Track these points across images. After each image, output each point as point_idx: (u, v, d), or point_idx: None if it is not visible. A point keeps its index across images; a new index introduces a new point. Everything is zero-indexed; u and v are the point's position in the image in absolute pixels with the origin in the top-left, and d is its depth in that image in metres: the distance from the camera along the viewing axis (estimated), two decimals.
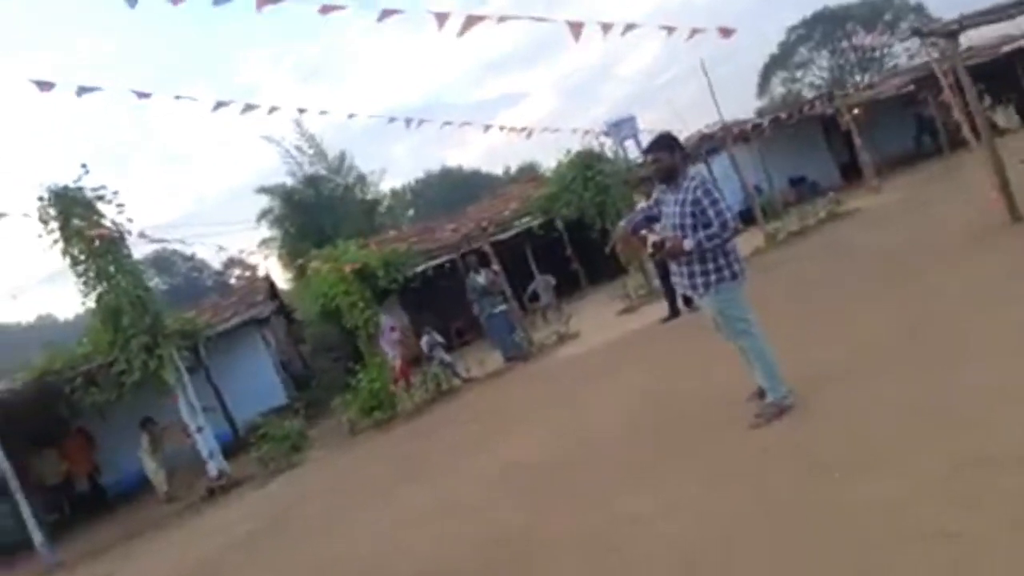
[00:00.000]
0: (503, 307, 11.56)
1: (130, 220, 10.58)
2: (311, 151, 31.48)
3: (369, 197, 33.58)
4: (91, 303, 10.59)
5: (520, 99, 75.08)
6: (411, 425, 9.74)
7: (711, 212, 4.59)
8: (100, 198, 10.46)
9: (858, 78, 44.58)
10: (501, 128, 8.73)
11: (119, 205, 10.49)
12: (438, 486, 6.24)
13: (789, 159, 17.68)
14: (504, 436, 7.02)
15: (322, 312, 13.46)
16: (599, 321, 11.69)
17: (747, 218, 15.27)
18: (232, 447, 12.76)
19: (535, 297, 14.79)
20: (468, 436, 7.66)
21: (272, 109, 7.12)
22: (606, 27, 5.52)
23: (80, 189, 10.34)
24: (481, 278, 11.59)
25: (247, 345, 15.38)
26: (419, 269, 13.15)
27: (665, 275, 9.78)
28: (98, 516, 12.39)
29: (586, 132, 10.70)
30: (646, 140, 12.96)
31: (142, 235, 10.87)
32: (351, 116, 7.50)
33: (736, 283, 4.73)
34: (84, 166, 10.37)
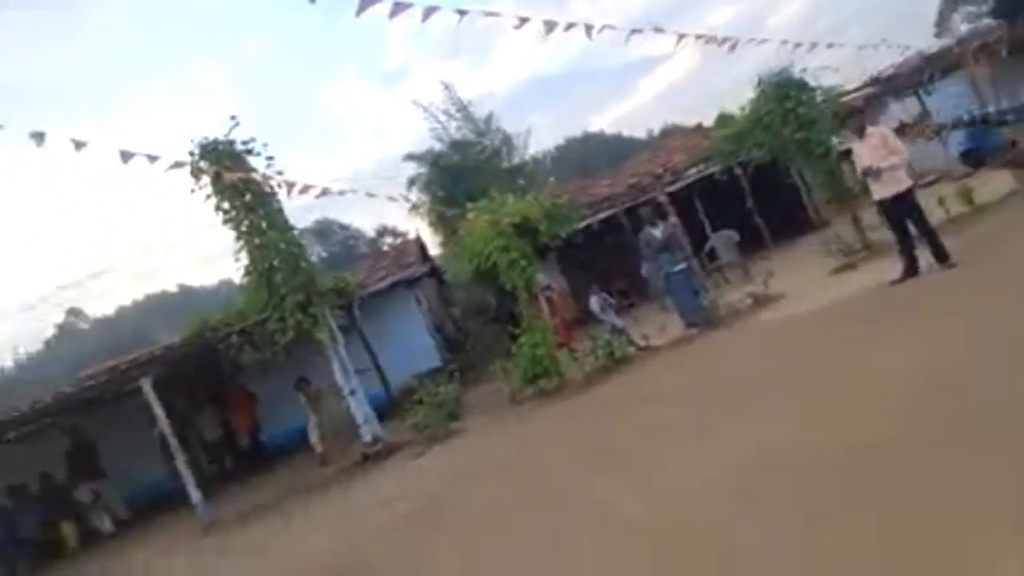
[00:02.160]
0: (684, 265, 9.90)
1: (280, 173, 9.96)
2: (459, 115, 31.12)
3: (516, 161, 32.75)
4: (244, 260, 10.18)
5: (659, 62, 70.97)
6: (583, 398, 8.42)
7: None
8: (249, 151, 9.94)
9: None
10: (698, 37, 7.02)
11: (269, 158, 9.91)
12: (644, 486, 4.82)
13: (1018, 88, 14.24)
14: (716, 423, 5.46)
15: (476, 273, 12.39)
16: (804, 282, 9.69)
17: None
18: (386, 409, 12.19)
19: (713, 255, 12.94)
20: (664, 420, 6.16)
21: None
22: None
23: (230, 142, 9.86)
24: (658, 232, 10.00)
25: (400, 306, 14.81)
26: (583, 224, 11.72)
27: (901, 227, 7.71)
28: (257, 473, 12.32)
29: (796, 45, 8.49)
30: None
31: (304, 189, 10.08)
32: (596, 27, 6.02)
33: None
34: (234, 118, 9.84)
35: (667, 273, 9.86)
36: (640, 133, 47.58)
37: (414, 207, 30.17)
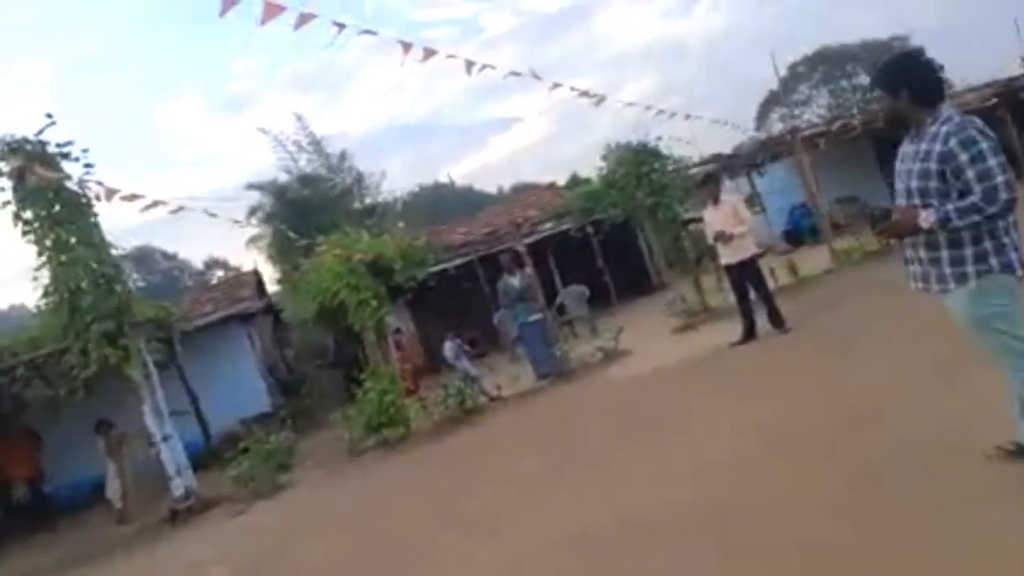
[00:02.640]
0: (539, 315, 9.84)
1: (99, 183, 8.68)
2: (310, 147, 30.06)
3: (368, 202, 32.02)
4: (44, 279, 8.71)
5: (512, 123, 74.04)
6: (432, 449, 7.93)
7: (970, 173, 2.94)
8: (65, 155, 8.61)
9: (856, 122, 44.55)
10: (572, 89, 7.10)
11: (87, 165, 8.61)
12: (497, 542, 4.48)
13: (836, 177, 16.16)
14: (573, 479, 5.26)
15: (319, 311, 11.62)
16: (649, 340, 9.97)
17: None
18: (203, 459, 10.88)
19: (562, 310, 13.08)
20: (519, 474, 5.87)
21: None
22: None
23: (42, 143, 8.50)
24: (516, 281, 9.91)
25: (230, 343, 13.51)
26: (438, 268, 11.41)
27: (742, 292, 8.17)
28: (36, 532, 10.39)
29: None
30: None
31: (129, 198, 8.63)
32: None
33: (1009, 279, 3.06)
34: (50, 115, 8.50)
35: (522, 323, 9.75)
36: (491, 188, 48.47)
37: (252, 240, 28.56)
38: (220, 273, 43.92)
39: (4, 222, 8.49)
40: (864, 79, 47.65)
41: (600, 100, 7.37)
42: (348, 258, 9.76)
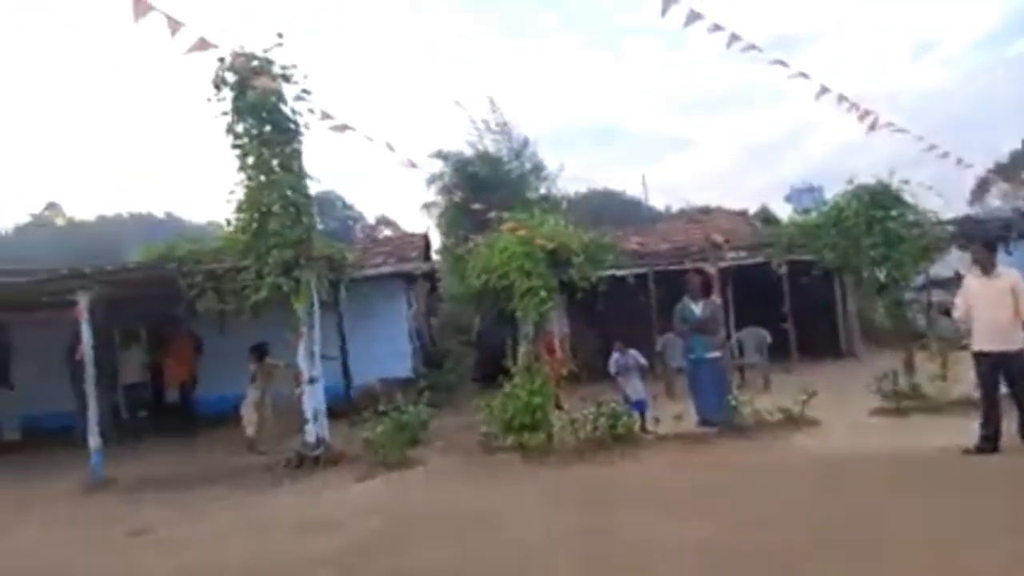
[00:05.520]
0: (718, 353, 8.68)
1: (311, 111, 8.66)
2: (497, 129, 30.19)
3: (542, 192, 31.81)
4: (240, 195, 8.84)
5: (689, 145, 70.30)
6: (577, 472, 7.09)
7: None
8: (287, 78, 8.63)
9: None
10: (842, 99, 5.90)
11: (305, 91, 8.62)
12: None
13: None
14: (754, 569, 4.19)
15: (481, 288, 11.09)
16: (842, 413, 8.47)
17: None
18: (340, 408, 10.78)
19: (737, 352, 11.70)
20: (692, 542, 4.86)
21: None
22: None
23: (269, 61, 8.56)
24: (698, 308, 8.78)
25: (389, 301, 13.40)
26: (619, 273, 10.50)
27: (993, 387, 6.54)
28: (178, 436, 10.86)
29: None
30: None
31: (340, 128, 8.32)
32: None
33: None
34: (280, 35, 8.54)
35: (696, 357, 8.62)
36: (658, 205, 46.24)
37: (427, 205, 29.16)
38: (387, 232, 45.79)
39: (215, 138, 8.69)
40: None
41: (873, 124, 6.11)
42: (528, 240, 9.14)
